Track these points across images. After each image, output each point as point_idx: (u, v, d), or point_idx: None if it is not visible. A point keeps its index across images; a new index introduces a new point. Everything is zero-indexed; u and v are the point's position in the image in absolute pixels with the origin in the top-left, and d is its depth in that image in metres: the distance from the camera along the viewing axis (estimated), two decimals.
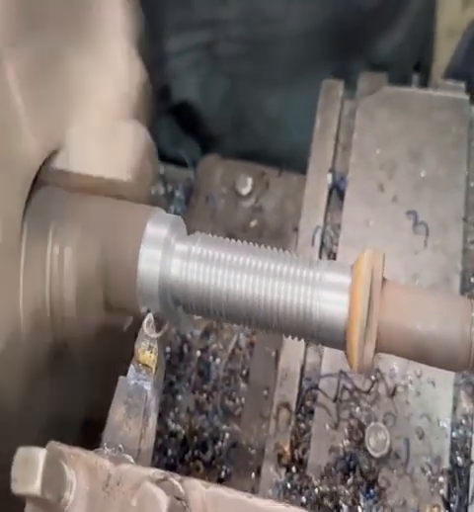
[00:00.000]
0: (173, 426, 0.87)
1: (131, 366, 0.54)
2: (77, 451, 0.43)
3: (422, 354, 0.53)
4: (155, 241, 0.57)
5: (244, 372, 0.88)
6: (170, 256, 0.56)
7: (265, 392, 0.84)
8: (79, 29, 0.60)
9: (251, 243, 0.58)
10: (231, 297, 0.55)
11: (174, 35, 1.09)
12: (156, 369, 0.54)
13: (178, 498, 0.40)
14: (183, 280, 0.56)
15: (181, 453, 0.86)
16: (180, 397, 0.89)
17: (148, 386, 0.52)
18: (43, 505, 0.41)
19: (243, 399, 0.87)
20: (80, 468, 0.43)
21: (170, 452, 0.86)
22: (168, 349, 0.92)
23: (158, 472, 0.43)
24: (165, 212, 0.60)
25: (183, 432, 0.86)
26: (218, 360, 0.90)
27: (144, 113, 0.68)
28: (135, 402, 0.51)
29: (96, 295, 0.56)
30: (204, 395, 0.88)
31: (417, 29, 1.18)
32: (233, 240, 0.58)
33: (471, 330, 0.51)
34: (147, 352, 0.54)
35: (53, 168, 0.59)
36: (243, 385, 0.88)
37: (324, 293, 0.54)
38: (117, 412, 0.50)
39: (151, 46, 1.09)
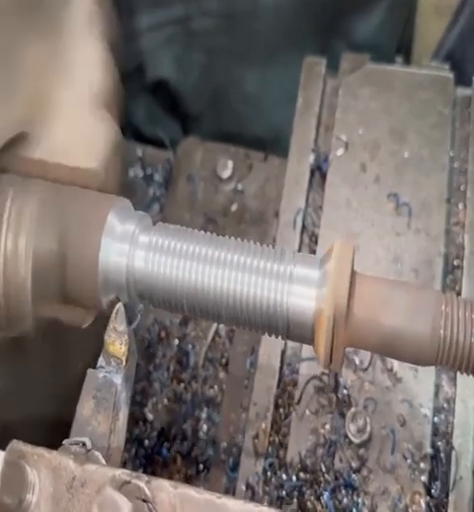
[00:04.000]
0: (150, 416, 0.86)
1: (101, 358, 0.52)
2: (40, 451, 0.42)
3: (391, 349, 0.52)
4: (117, 232, 0.54)
5: (223, 360, 0.87)
6: (133, 247, 0.54)
7: (245, 382, 0.82)
8: (47, 18, 0.58)
9: (219, 235, 0.56)
10: (197, 290, 0.53)
11: (146, 10, 1.06)
12: (127, 361, 0.52)
13: (144, 500, 0.39)
14: (147, 272, 0.53)
15: (158, 444, 0.84)
16: (158, 387, 0.87)
17: (118, 380, 0.50)
18: (4, 509, 0.39)
19: (222, 389, 0.85)
20: (43, 468, 0.41)
21: (147, 442, 0.85)
22: (147, 336, 0.91)
23: (124, 473, 0.41)
24: (130, 202, 0.58)
25: (160, 422, 0.85)
26: (197, 348, 0.88)
27: (116, 111, 0.66)
28: (104, 396, 0.49)
29: (52, 285, 0.54)
30: (183, 385, 0.86)
31: (397, 8, 1.16)
32: (201, 231, 0.56)
33: (441, 325, 0.50)
34: (117, 344, 0.52)
35: (17, 155, 0.57)
36: (222, 374, 0.86)
37: (292, 287, 0.52)
38: (85, 406, 0.48)
39: (124, 22, 1.06)
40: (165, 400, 0.87)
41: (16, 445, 0.41)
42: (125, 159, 0.71)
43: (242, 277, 0.52)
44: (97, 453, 0.46)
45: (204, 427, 0.84)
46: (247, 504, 0.39)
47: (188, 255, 0.53)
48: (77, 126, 0.61)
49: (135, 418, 0.86)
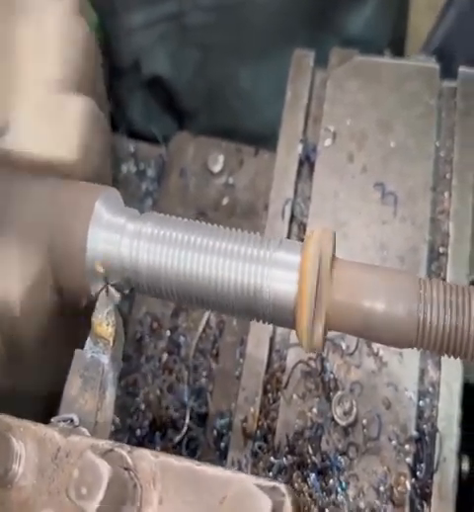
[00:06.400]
0: (142, 406, 0.87)
1: (88, 339, 0.53)
2: (26, 423, 0.43)
3: (370, 332, 0.53)
4: (104, 221, 0.55)
5: (214, 351, 0.88)
6: (120, 235, 0.55)
7: (235, 372, 0.83)
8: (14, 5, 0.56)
9: (203, 223, 0.57)
10: (182, 276, 0.54)
11: (140, 7, 1.07)
12: (114, 342, 0.53)
13: (125, 468, 0.40)
14: (134, 259, 0.55)
15: (150, 433, 0.85)
16: (149, 377, 0.88)
17: (105, 360, 0.52)
18: None
19: (213, 379, 0.86)
20: (29, 440, 0.42)
21: (139, 432, 0.86)
22: (139, 328, 0.92)
23: (108, 443, 0.42)
24: (118, 191, 0.59)
25: (152, 412, 0.86)
26: (188, 339, 0.90)
27: (90, 82, 0.63)
28: (92, 375, 0.50)
29: (46, 277, 0.55)
30: (174, 375, 0.88)
31: (389, 1, 1.17)
32: (185, 219, 0.57)
33: (418, 308, 0.51)
34: (104, 324, 0.53)
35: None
36: (213, 365, 0.87)
37: (273, 271, 0.53)
38: (73, 385, 0.50)
39: (118, 19, 1.08)
40: (157, 391, 0.88)
41: (2, 418, 0.43)
42: (105, 128, 0.67)
43: (224, 263, 0.54)
44: (84, 429, 0.48)
45: (195, 417, 0.85)
46: (225, 471, 0.40)
47: (173, 242, 0.55)
48: (46, 111, 0.57)
49: (127, 408, 0.88)
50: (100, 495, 0.36)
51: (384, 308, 0.52)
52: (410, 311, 0.52)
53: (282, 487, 0.39)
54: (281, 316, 0.54)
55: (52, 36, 0.59)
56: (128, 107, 1.18)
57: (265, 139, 1.03)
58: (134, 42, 1.11)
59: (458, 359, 0.55)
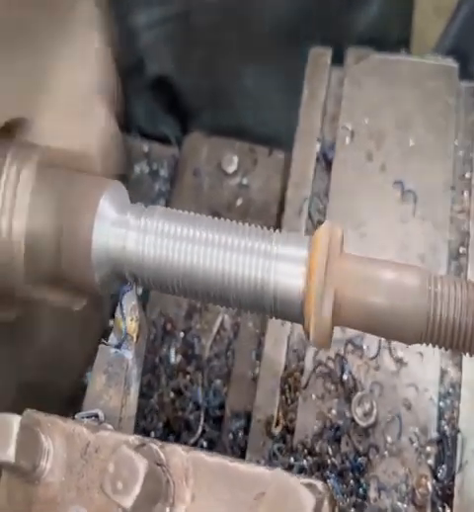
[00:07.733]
0: (156, 408, 0.86)
1: (112, 334, 0.52)
2: (54, 419, 0.42)
3: (377, 327, 0.52)
4: (110, 214, 0.55)
5: (229, 353, 0.87)
6: (126, 229, 0.55)
7: (250, 374, 0.82)
8: (54, 14, 0.60)
9: (209, 217, 0.56)
10: (187, 270, 0.53)
11: (144, 6, 1.07)
12: (137, 337, 0.52)
13: (158, 464, 0.39)
14: (139, 253, 0.54)
15: (164, 435, 0.84)
16: (163, 379, 0.87)
17: (129, 355, 0.51)
18: (19, 473, 0.40)
19: (228, 381, 0.85)
20: (57, 436, 0.41)
21: (153, 434, 0.85)
22: (152, 329, 0.91)
23: (137, 438, 0.41)
24: (124, 186, 0.58)
25: (166, 414, 0.85)
26: (203, 341, 0.89)
27: (113, 104, 0.68)
28: (116, 371, 0.50)
29: (45, 265, 0.55)
30: (188, 377, 0.87)
31: (394, 3, 1.17)
32: (191, 213, 0.56)
33: (426, 303, 0.50)
34: (128, 320, 0.52)
35: (13, 139, 0.57)
36: (227, 367, 0.86)
37: (280, 265, 0.52)
38: (97, 381, 0.49)
39: (123, 20, 1.07)
40: (171, 392, 0.87)
41: (30, 413, 0.42)
42: (123, 151, 0.71)
43: (230, 256, 0.53)
44: (109, 426, 0.47)
45: (210, 419, 0.84)
46: (258, 467, 0.39)
47: (177, 236, 0.54)
48: (73, 112, 0.61)
49: (141, 410, 0.87)
50: (136, 490, 0.36)
51: (391, 304, 0.51)
52: (417, 307, 0.51)
53: (319, 485, 0.38)
54: (288, 310, 0.54)
55: (84, 53, 0.63)
56: (133, 107, 1.17)
57: (269, 139, 1.02)
58: (139, 43, 1.11)
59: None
